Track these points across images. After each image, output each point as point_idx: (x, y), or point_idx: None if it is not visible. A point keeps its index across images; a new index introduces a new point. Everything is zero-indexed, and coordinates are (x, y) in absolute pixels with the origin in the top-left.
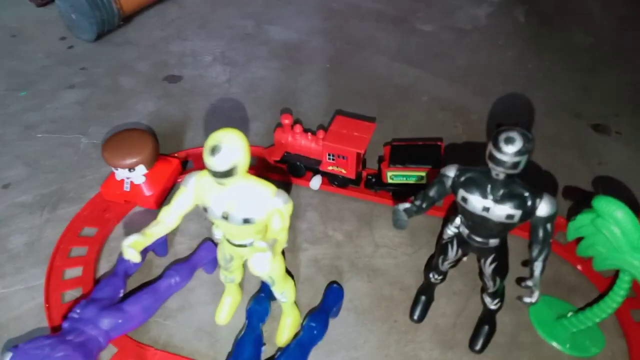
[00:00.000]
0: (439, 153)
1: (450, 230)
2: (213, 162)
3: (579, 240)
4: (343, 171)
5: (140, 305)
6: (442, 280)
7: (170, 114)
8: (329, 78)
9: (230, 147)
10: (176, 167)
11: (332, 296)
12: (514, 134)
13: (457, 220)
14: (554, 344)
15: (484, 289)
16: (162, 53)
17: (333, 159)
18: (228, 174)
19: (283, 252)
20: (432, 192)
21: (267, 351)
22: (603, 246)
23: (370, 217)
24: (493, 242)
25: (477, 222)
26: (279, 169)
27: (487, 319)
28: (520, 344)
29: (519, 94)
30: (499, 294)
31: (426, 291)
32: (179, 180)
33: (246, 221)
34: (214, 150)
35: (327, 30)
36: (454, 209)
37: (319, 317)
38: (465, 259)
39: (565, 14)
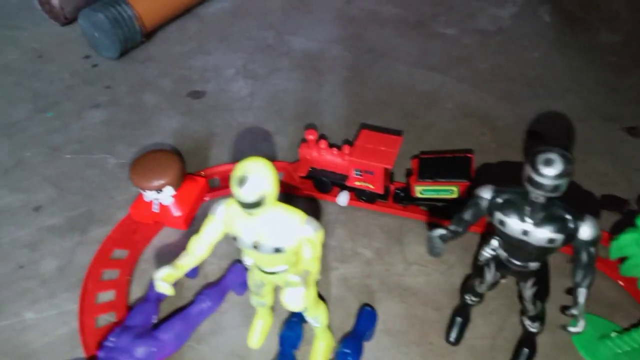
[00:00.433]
0: (470, 165)
1: (487, 253)
2: (241, 193)
3: (622, 258)
4: (370, 186)
5: (173, 332)
6: (479, 302)
7: (194, 131)
8: (350, 87)
9: (257, 177)
10: (203, 186)
11: (365, 320)
12: (553, 156)
13: (494, 243)
14: None
15: (523, 312)
16: (184, 68)
17: (360, 174)
18: (257, 204)
19: None
20: (467, 216)
21: None
22: None
23: (399, 233)
24: (533, 265)
25: (515, 246)
26: (305, 184)
27: (527, 341)
28: None
29: (547, 98)
30: (539, 317)
31: (462, 312)
32: (206, 199)
33: (277, 250)
34: (241, 182)
35: (347, 38)
36: (490, 229)
37: (353, 342)
38: (503, 280)
39: (591, 13)
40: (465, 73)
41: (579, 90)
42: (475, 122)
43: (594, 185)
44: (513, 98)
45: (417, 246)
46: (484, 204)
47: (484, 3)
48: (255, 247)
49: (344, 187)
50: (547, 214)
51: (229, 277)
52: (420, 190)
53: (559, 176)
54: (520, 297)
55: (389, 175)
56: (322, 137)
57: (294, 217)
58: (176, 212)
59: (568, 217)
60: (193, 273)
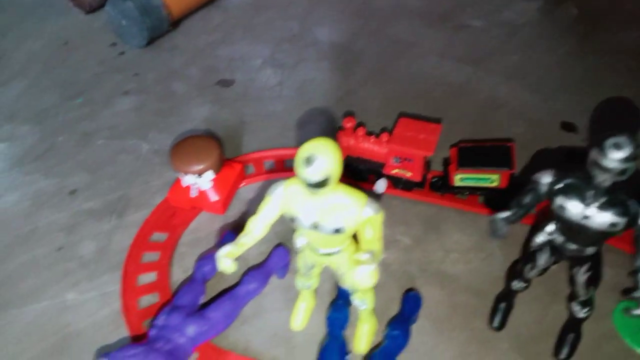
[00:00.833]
0: (511, 154)
1: (542, 237)
2: (308, 173)
3: None
4: (408, 174)
5: (222, 311)
6: (526, 288)
7: (224, 119)
8: (379, 78)
9: (324, 157)
10: (240, 172)
11: (411, 304)
12: (622, 140)
13: (550, 227)
14: None
15: (573, 297)
16: (211, 58)
17: (399, 162)
18: (322, 184)
19: None
20: (526, 200)
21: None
22: None
23: (437, 221)
24: (590, 250)
25: (574, 230)
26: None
27: (573, 327)
28: (606, 353)
29: (578, 91)
30: (589, 303)
31: (506, 298)
32: (241, 185)
33: (337, 231)
34: (308, 161)
35: (372, 30)
36: (543, 216)
37: (401, 325)
38: (554, 266)
39: (620, 4)
40: (495, 65)
41: (612, 82)
42: (507, 114)
43: None
44: (544, 90)
45: (455, 234)
46: (543, 189)
47: None
48: (315, 227)
49: (379, 175)
50: (609, 198)
51: (272, 260)
52: (460, 178)
53: (627, 159)
54: (572, 282)
55: (426, 164)
56: (360, 125)
57: (355, 199)
58: (214, 197)
59: (629, 201)
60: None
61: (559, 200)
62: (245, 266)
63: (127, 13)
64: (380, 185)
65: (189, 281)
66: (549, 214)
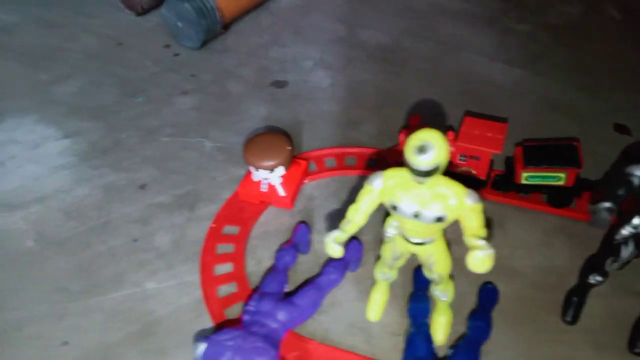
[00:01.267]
0: (578, 153)
1: (627, 230)
2: (420, 161)
3: None
4: (473, 172)
5: (309, 299)
6: (603, 282)
7: (281, 118)
8: (429, 78)
9: (436, 147)
10: (304, 169)
11: (489, 296)
12: None
13: (636, 220)
14: None
15: None
16: (263, 59)
17: (465, 160)
18: (431, 173)
19: None
20: (620, 192)
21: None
22: None
23: (501, 219)
24: None
25: None
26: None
27: None
28: None
29: (627, 91)
30: None
31: (579, 293)
32: (305, 181)
33: (438, 220)
34: (421, 150)
35: (417, 31)
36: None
37: (484, 316)
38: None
39: None
40: (544, 67)
41: None
42: (560, 114)
43: None
44: (594, 91)
45: (520, 231)
46: (637, 181)
47: None
48: (416, 216)
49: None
50: None
51: (348, 253)
52: (526, 176)
53: None
54: None
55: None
56: (425, 124)
57: (457, 189)
58: (283, 192)
59: None
60: (306, 249)
61: None
62: (315, 259)
63: (184, 15)
64: None
65: (272, 271)
66: (633, 207)
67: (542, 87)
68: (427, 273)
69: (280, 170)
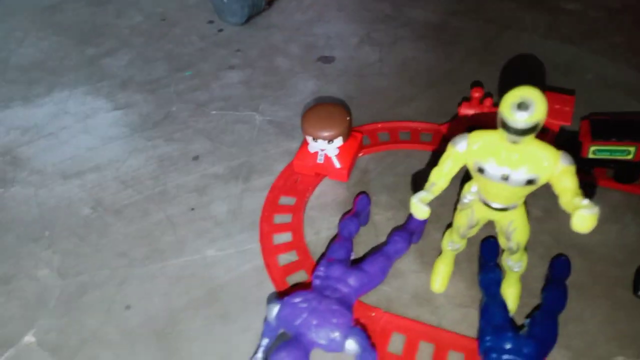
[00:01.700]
0: None
1: None
2: (519, 118)
3: None
4: None
5: (378, 266)
6: None
7: (331, 93)
8: (480, 56)
9: (538, 104)
10: (360, 142)
11: (563, 267)
12: None
13: None
14: None
15: None
16: (308, 35)
17: None
18: (529, 131)
19: None
20: None
21: None
22: None
23: None
24: None
25: None
26: None
27: None
28: None
29: None
30: None
31: None
32: (359, 154)
33: (529, 182)
34: (521, 106)
35: (465, 11)
36: None
37: (559, 286)
38: None
39: None
40: (599, 46)
41: None
42: (619, 92)
43: None
44: None
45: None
46: None
47: None
48: (505, 179)
49: None
50: None
51: (412, 223)
52: (594, 150)
53: None
54: None
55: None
56: (487, 95)
57: (550, 150)
58: (339, 164)
59: None
60: (365, 220)
61: None
62: (374, 231)
63: None
64: None
65: (337, 239)
66: None
67: (599, 66)
68: (503, 242)
69: (339, 142)
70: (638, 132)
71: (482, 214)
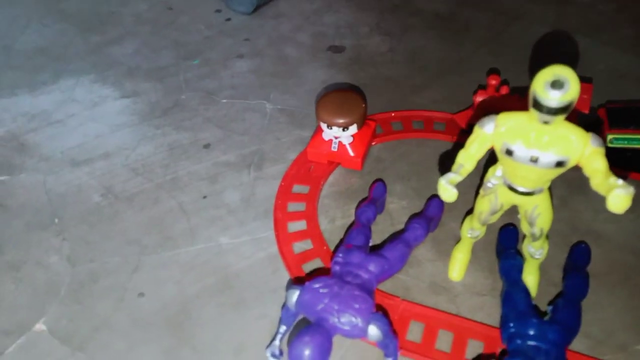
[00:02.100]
0: None
1: None
2: (553, 96)
3: None
4: None
5: (398, 252)
6: None
7: (342, 82)
8: (491, 47)
9: (572, 82)
10: (373, 130)
11: (583, 254)
12: None
13: None
14: None
15: None
16: (318, 25)
17: None
18: (562, 111)
19: None
20: None
21: None
22: None
23: (580, 182)
24: None
25: None
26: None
27: None
28: None
29: None
30: None
31: None
32: (372, 143)
33: (559, 164)
34: (556, 85)
35: (473, 1)
36: None
37: (580, 274)
38: None
39: None
40: (609, 38)
41: None
42: (632, 83)
43: None
44: None
45: (601, 195)
46: None
47: None
48: (534, 161)
49: None
50: None
51: (430, 210)
52: (611, 138)
53: None
54: None
55: None
56: (504, 82)
57: (580, 131)
58: (353, 152)
59: None
60: (381, 208)
61: None
62: (389, 219)
63: None
64: None
65: (355, 225)
66: None
67: (610, 57)
68: (525, 228)
69: (353, 129)
70: None
71: (506, 199)
